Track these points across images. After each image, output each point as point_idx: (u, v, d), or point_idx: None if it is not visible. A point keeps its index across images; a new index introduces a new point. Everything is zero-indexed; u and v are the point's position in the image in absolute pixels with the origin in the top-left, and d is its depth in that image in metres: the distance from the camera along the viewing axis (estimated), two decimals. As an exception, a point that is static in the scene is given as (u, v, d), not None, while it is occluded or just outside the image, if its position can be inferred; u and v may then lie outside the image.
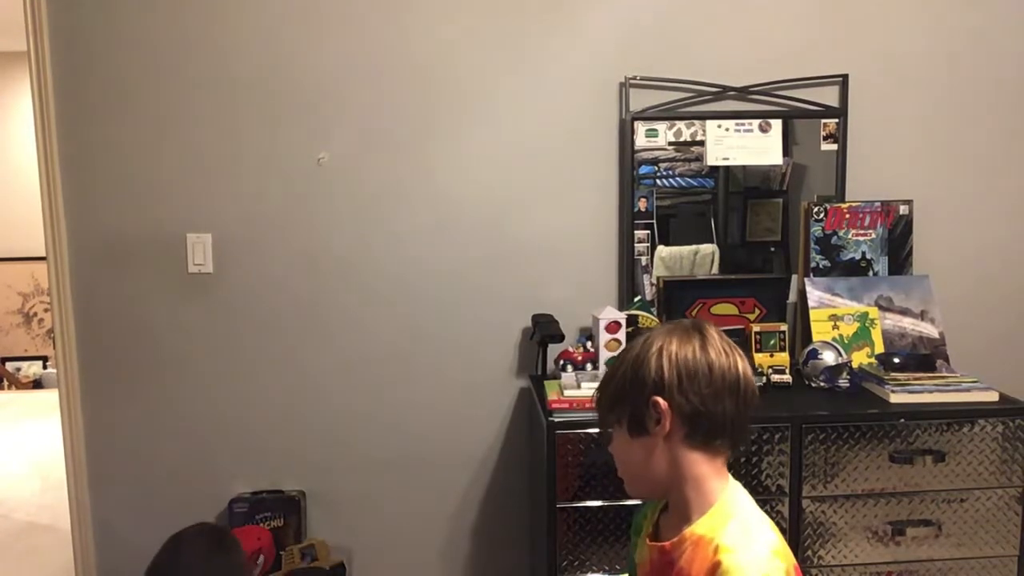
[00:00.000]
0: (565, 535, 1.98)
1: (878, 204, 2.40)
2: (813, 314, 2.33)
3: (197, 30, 2.28)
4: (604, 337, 2.21)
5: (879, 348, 2.30)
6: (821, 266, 2.40)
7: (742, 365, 1.14)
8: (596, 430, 1.95)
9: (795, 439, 1.98)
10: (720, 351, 1.13)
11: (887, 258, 2.41)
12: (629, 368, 1.14)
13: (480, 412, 2.45)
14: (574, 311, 2.38)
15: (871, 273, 2.40)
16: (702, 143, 2.38)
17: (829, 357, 2.18)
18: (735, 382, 1.13)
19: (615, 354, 2.20)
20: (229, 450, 2.42)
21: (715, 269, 2.45)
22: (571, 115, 2.38)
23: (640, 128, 2.36)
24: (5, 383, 6.20)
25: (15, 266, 6.31)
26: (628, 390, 1.14)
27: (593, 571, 1.99)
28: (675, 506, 1.16)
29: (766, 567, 1.03)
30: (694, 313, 2.39)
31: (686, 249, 2.44)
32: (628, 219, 2.39)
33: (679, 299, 2.39)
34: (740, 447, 1.17)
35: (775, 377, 2.19)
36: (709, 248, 2.45)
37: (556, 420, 1.96)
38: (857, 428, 1.99)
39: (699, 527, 1.10)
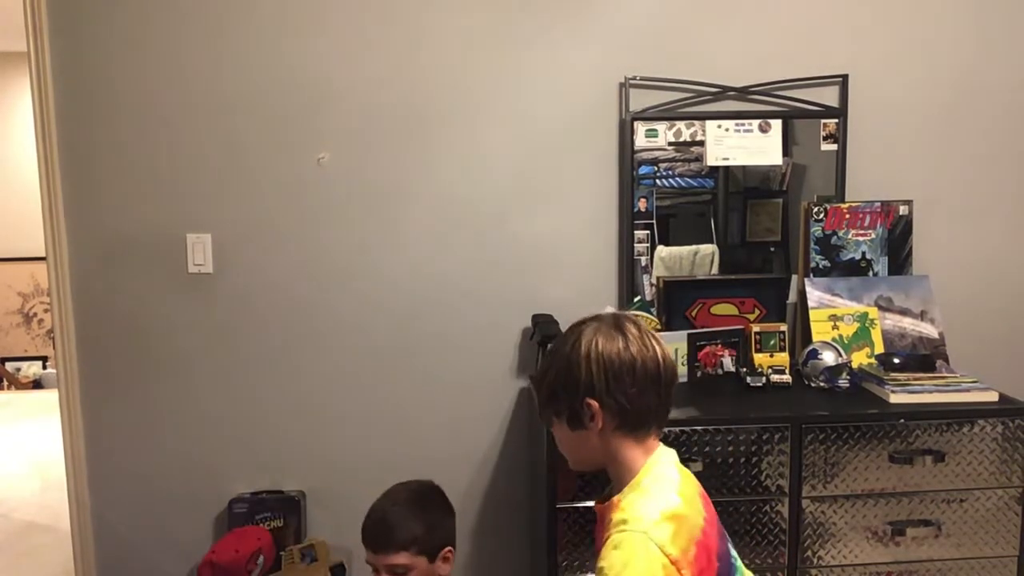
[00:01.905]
0: (565, 535, 1.98)
1: (878, 204, 2.40)
2: (813, 314, 2.33)
3: (197, 30, 2.28)
4: (604, 337, 2.20)
5: (879, 348, 2.30)
6: (821, 266, 2.40)
7: (660, 352, 1.25)
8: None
9: (795, 439, 1.98)
10: (641, 346, 1.23)
11: (887, 258, 2.41)
12: (562, 370, 1.26)
13: (480, 412, 2.45)
14: (574, 311, 2.35)
15: (871, 273, 2.40)
16: (702, 143, 2.38)
17: (829, 357, 2.18)
18: (656, 373, 1.24)
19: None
20: (229, 450, 2.42)
21: (715, 269, 2.45)
22: (571, 115, 2.38)
23: (640, 128, 2.36)
24: (5, 383, 6.20)
25: (15, 266, 6.31)
26: (562, 392, 1.26)
27: (593, 571, 1.98)
28: (612, 478, 1.30)
29: (649, 525, 1.14)
30: (694, 314, 2.39)
31: (686, 249, 2.44)
32: (628, 219, 2.39)
33: (679, 299, 2.39)
34: (664, 426, 1.29)
35: (775, 377, 2.19)
36: (709, 248, 2.45)
37: (556, 420, 1.96)
38: (857, 428, 1.99)
39: (621, 495, 1.23)
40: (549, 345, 2.26)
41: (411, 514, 1.76)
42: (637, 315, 1.30)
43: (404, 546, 1.71)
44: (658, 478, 1.22)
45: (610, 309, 1.31)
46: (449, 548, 1.79)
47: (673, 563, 1.11)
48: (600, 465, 1.29)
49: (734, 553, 1.27)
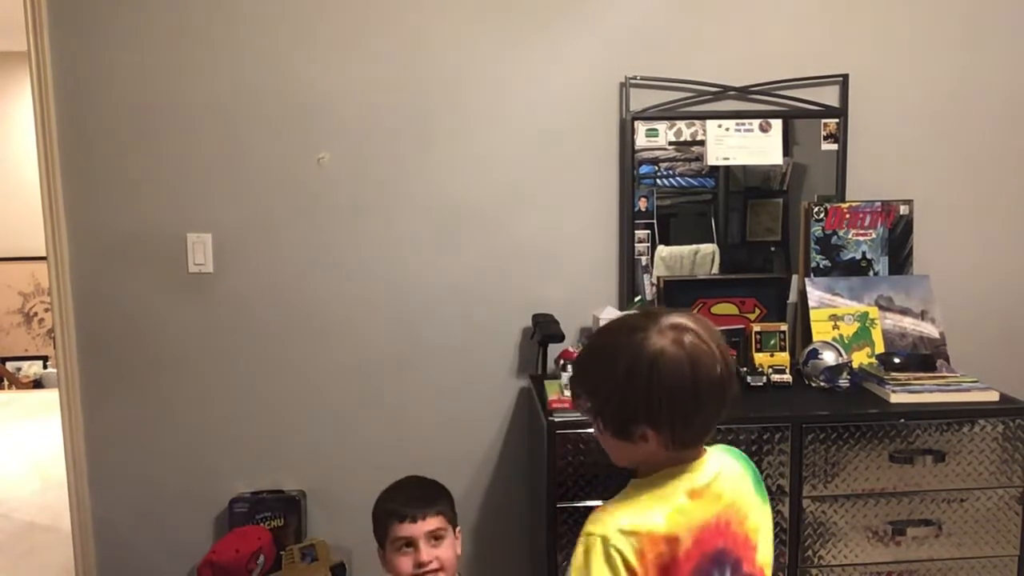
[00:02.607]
0: (565, 535, 1.98)
1: (878, 204, 2.40)
2: (813, 314, 2.33)
3: (198, 30, 2.28)
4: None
5: (879, 348, 2.30)
6: (821, 266, 2.40)
7: (721, 366, 1.15)
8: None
9: (795, 439, 1.98)
10: (705, 364, 1.14)
11: (887, 258, 2.41)
12: (618, 390, 1.17)
13: (480, 412, 2.45)
14: (574, 311, 2.38)
15: (871, 273, 2.40)
16: (702, 143, 2.38)
17: (829, 357, 2.18)
18: (718, 391, 1.16)
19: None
20: (229, 450, 2.42)
21: (715, 269, 2.45)
22: (571, 115, 2.38)
23: (640, 128, 2.36)
24: (5, 383, 6.19)
25: (15, 266, 6.31)
26: (617, 411, 1.19)
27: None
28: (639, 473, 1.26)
29: (594, 528, 1.13)
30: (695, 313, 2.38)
31: (686, 249, 2.44)
32: (628, 219, 2.39)
33: (679, 299, 2.38)
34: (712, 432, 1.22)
35: (775, 377, 2.19)
36: (709, 248, 2.45)
37: (556, 420, 1.96)
38: (857, 428, 1.99)
39: (620, 494, 1.22)
40: (551, 345, 2.28)
41: (434, 486, 1.87)
42: (691, 316, 1.20)
43: (441, 509, 1.80)
44: (649, 489, 1.18)
45: (665, 313, 1.20)
46: (459, 528, 1.89)
47: (621, 555, 1.10)
48: (638, 465, 1.24)
49: None
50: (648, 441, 1.17)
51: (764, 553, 1.25)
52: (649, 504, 1.15)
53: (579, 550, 1.13)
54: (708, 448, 1.25)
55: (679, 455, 1.19)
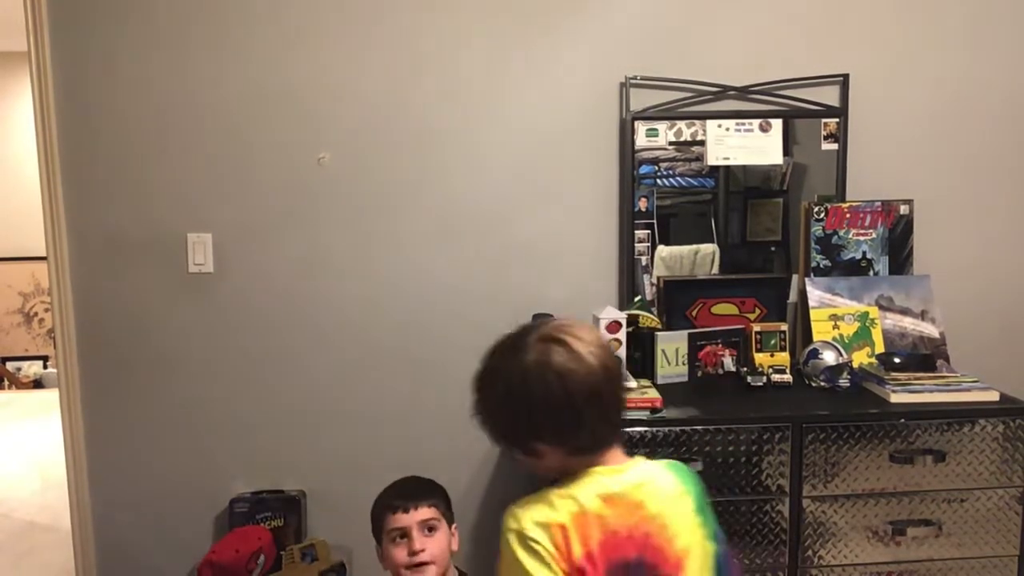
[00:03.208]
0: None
1: (878, 204, 2.40)
2: (813, 314, 2.33)
3: (198, 29, 2.28)
4: (604, 337, 2.21)
5: (879, 348, 2.30)
6: (821, 266, 2.40)
7: (596, 375, 1.18)
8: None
9: (795, 439, 1.98)
10: (574, 371, 1.17)
11: (887, 258, 2.41)
12: (501, 419, 1.25)
13: (480, 412, 2.45)
14: (574, 311, 2.36)
15: (871, 273, 2.40)
16: (702, 143, 2.38)
17: (829, 357, 2.18)
18: (595, 398, 1.18)
19: (616, 354, 2.20)
20: (229, 450, 2.42)
21: (715, 269, 2.45)
22: (571, 115, 2.38)
23: (640, 128, 2.36)
24: (5, 383, 6.19)
25: (15, 266, 6.31)
26: (511, 433, 1.26)
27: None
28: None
29: (511, 523, 1.17)
30: (695, 313, 2.39)
31: (686, 249, 2.44)
32: (628, 219, 2.39)
33: (679, 299, 2.39)
34: (620, 433, 1.26)
35: (775, 377, 2.19)
36: (709, 248, 2.44)
37: (556, 420, 1.96)
38: (857, 428, 1.99)
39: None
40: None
41: (428, 482, 1.91)
42: (564, 325, 1.24)
43: (434, 502, 1.83)
44: (556, 501, 1.18)
45: (539, 327, 1.25)
46: (456, 525, 1.91)
47: (538, 543, 1.14)
48: (557, 475, 1.26)
49: None
50: (546, 455, 1.21)
51: (675, 558, 1.21)
52: (556, 502, 1.18)
53: (503, 548, 1.17)
54: (642, 459, 1.27)
55: (590, 460, 1.21)
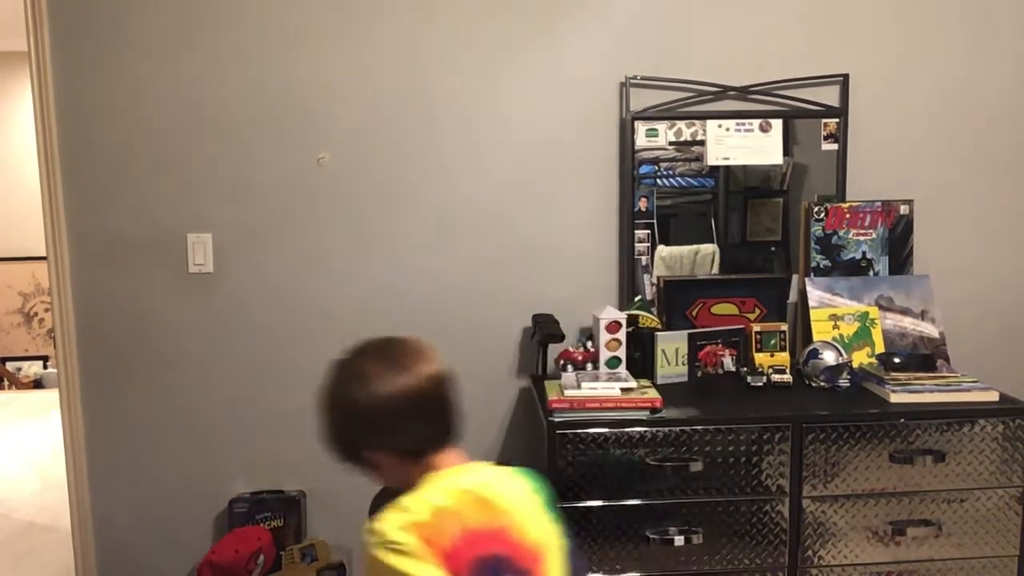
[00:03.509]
0: (565, 535, 1.97)
1: (878, 204, 2.40)
2: (813, 314, 2.33)
3: (198, 30, 2.28)
4: (604, 337, 2.21)
5: (879, 348, 2.30)
6: (821, 266, 2.40)
7: (415, 381, 1.25)
8: (596, 430, 1.95)
9: (795, 439, 1.98)
10: (371, 385, 1.24)
11: (887, 258, 2.41)
12: (332, 433, 1.31)
13: (480, 412, 2.45)
14: (574, 311, 2.38)
15: (871, 273, 2.40)
16: (702, 143, 2.38)
17: (829, 357, 2.18)
18: (416, 405, 1.25)
19: (616, 354, 2.21)
20: (229, 450, 2.42)
21: (715, 269, 2.45)
22: (571, 115, 2.38)
23: (640, 128, 2.36)
24: (5, 383, 6.19)
25: (15, 266, 6.31)
26: (347, 449, 1.30)
27: (593, 571, 1.99)
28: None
29: (373, 539, 1.18)
30: (695, 313, 2.39)
31: (686, 249, 2.44)
32: (628, 219, 2.39)
33: (679, 299, 2.38)
34: (451, 437, 1.31)
35: (775, 377, 2.19)
36: (709, 248, 2.44)
37: (556, 420, 1.96)
38: (857, 428, 1.99)
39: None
40: (551, 345, 2.28)
41: None
42: (371, 345, 1.33)
43: None
44: (412, 505, 1.21)
45: (350, 351, 1.35)
46: None
47: (404, 545, 1.15)
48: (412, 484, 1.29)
49: None
50: (381, 463, 1.28)
51: (553, 570, 1.26)
52: (412, 506, 1.20)
53: (370, 566, 1.17)
54: (485, 463, 1.32)
55: (433, 463, 1.27)
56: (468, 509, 1.22)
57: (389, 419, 1.24)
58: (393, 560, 1.15)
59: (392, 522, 1.18)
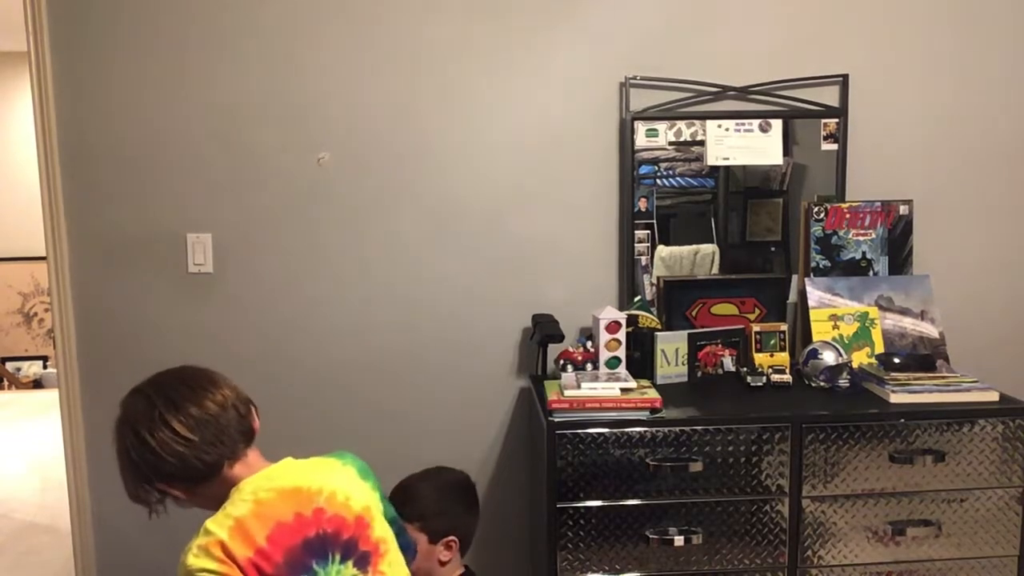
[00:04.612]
0: (565, 535, 1.98)
1: (878, 204, 2.40)
2: (813, 314, 2.33)
3: (198, 30, 2.28)
4: (604, 337, 2.21)
5: (879, 348, 2.30)
6: (821, 266, 2.40)
7: (176, 421, 1.33)
8: (596, 430, 1.95)
9: (795, 439, 1.98)
10: (151, 427, 1.32)
11: (887, 258, 2.41)
12: (126, 479, 1.40)
13: (480, 412, 2.45)
14: (574, 311, 2.38)
15: (871, 273, 2.40)
16: (702, 143, 2.38)
17: (829, 357, 2.18)
18: (175, 442, 1.32)
19: (615, 354, 2.21)
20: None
21: (715, 269, 2.45)
22: (571, 115, 2.38)
23: (640, 128, 2.36)
24: (5, 383, 6.20)
25: (15, 266, 6.32)
26: (140, 490, 1.39)
27: (593, 571, 1.99)
28: None
29: (187, 557, 1.28)
30: (695, 313, 2.39)
31: (686, 249, 2.44)
32: (628, 219, 2.39)
33: (679, 299, 2.39)
34: (240, 448, 1.38)
35: (775, 377, 2.19)
36: (709, 248, 2.45)
37: (556, 420, 1.96)
38: (857, 428, 1.99)
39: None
40: (551, 345, 2.28)
41: (431, 494, 1.95)
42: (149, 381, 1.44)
43: (410, 519, 1.84)
44: (212, 527, 1.29)
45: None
46: (453, 538, 1.92)
47: (206, 571, 1.24)
48: (222, 501, 1.35)
49: None
50: (176, 493, 1.37)
51: (380, 529, 1.40)
52: (212, 527, 1.28)
53: None
54: (288, 459, 1.42)
55: (228, 479, 1.34)
56: (277, 505, 1.30)
57: (156, 455, 1.31)
58: None
59: (193, 552, 1.27)
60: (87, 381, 2.37)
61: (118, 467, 1.38)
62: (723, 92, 2.39)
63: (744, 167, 2.42)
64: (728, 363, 2.27)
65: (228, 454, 1.36)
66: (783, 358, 2.28)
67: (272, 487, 1.34)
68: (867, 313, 2.33)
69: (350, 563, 1.34)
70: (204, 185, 2.33)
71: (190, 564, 1.25)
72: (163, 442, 1.31)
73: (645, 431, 1.96)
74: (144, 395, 1.38)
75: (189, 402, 1.35)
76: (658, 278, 2.41)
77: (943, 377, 2.14)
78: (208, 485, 1.35)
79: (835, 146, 2.41)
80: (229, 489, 1.34)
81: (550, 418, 1.97)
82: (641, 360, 2.24)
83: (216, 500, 1.35)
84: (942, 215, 2.46)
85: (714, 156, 2.38)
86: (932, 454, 1.99)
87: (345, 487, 1.39)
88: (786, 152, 2.41)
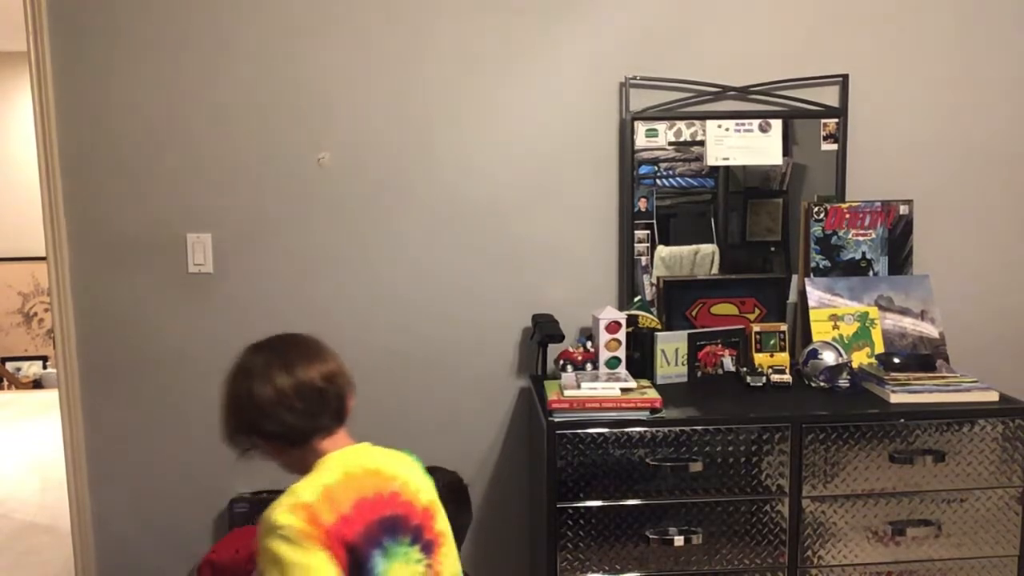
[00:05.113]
0: (565, 535, 1.98)
1: (878, 204, 2.40)
2: (813, 314, 2.33)
3: (197, 30, 2.28)
4: (604, 337, 2.21)
5: (879, 348, 2.30)
6: (821, 266, 2.40)
7: (287, 382, 1.40)
8: (596, 430, 1.95)
9: (795, 439, 1.98)
10: (264, 381, 1.40)
11: (887, 258, 2.41)
12: (224, 420, 1.46)
13: (480, 412, 2.45)
14: (574, 311, 2.38)
15: (871, 273, 2.40)
16: (702, 143, 2.38)
17: (829, 357, 2.18)
18: (288, 398, 1.39)
19: (615, 354, 2.21)
20: (229, 450, 2.41)
21: (715, 269, 2.45)
22: (571, 115, 2.38)
23: (640, 128, 2.36)
24: (5, 383, 6.20)
25: (15, 266, 6.31)
26: (236, 437, 1.45)
27: (593, 571, 1.99)
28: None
29: (264, 527, 1.32)
30: (695, 313, 2.39)
31: (686, 249, 2.44)
32: (628, 219, 2.39)
33: (679, 299, 2.39)
34: (334, 425, 1.44)
35: (775, 377, 2.19)
36: (709, 248, 2.45)
37: (556, 420, 1.96)
38: (857, 428, 1.99)
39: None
40: (551, 345, 2.28)
41: None
42: (268, 343, 1.49)
43: None
44: (301, 489, 1.34)
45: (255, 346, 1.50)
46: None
47: (292, 529, 1.28)
48: (307, 470, 1.41)
49: (380, 568, 1.35)
50: (263, 449, 1.43)
51: (442, 523, 1.48)
52: (299, 490, 1.34)
53: (263, 558, 1.30)
54: (367, 444, 1.48)
55: (316, 450, 1.41)
56: (360, 481, 1.38)
57: (263, 413, 1.38)
58: (275, 546, 1.28)
59: (280, 507, 1.32)
60: (87, 381, 2.37)
61: (221, 410, 1.45)
62: (723, 92, 2.39)
63: (744, 167, 2.42)
64: (728, 363, 2.27)
65: (323, 426, 1.42)
66: (783, 358, 2.28)
67: (358, 464, 1.41)
68: (867, 313, 2.33)
69: (417, 547, 1.41)
70: (204, 185, 2.33)
71: (276, 518, 1.30)
72: (269, 400, 1.38)
73: (645, 431, 1.96)
74: (264, 353, 1.45)
75: (302, 370, 1.41)
76: (658, 278, 2.41)
77: (943, 377, 2.14)
78: (297, 451, 1.41)
79: (835, 146, 2.41)
80: (315, 460, 1.40)
81: (550, 418, 1.97)
82: (641, 360, 2.24)
83: (301, 466, 1.41)
84: (942, 215, 2.46)
85: (714, 156, 2.38)
86: (932, 454, 1.99)
87: (416, 480, 1.47)
88: (786, 152, 2.41)
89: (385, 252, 2.39)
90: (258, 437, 1.42)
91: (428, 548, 1.43)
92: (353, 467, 1.40)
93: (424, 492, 1.47)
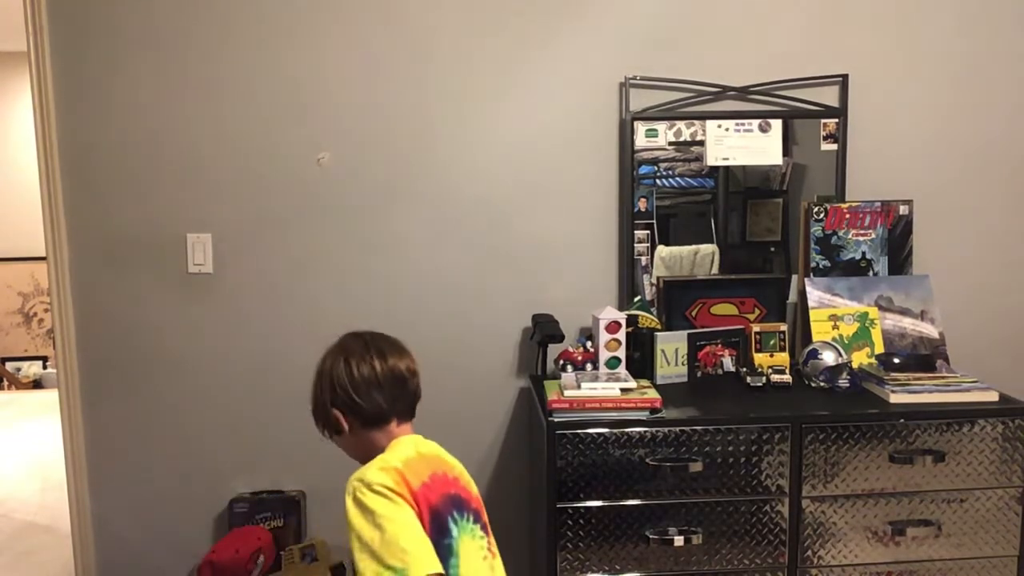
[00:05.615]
0: (565, 535, 1.98)
1: (878, 204, 2.40)
2: (813, 314, 2.33)
3: (197, 30, 2.28)
4: (604, 337, 2.21)
5: (879, 348, 2.30)
6: (821, 266, 2.40)
7: (380, 365, 1.56)
8: (596, 430, 1.96)
9: (795, 439, 1.98)
10: (360, 362, 1.56)
11: (887, 258, 2.41)
12: (314, 395, 1.60)
13: (480, 412, 2.45)
14: (574, 311, 2.38)
15: (871, 273, 2.40)
16: (702, 143, 2.38)
17: (829, 357, 2.18)
18: (375, 381, 1.55)
19: (615, 354, 2.21)
20: (229, 450, 2.42)
21: (715, 269, 2.45)
22: (571, 115, 2.38)
23: (640, 128, 2.36)
24: (5, 383, 6.20)
25: (15, 266, 6.31)
26: (317, 411, 1.60)
27: (593, 571, 1.99)
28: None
29: (356, 483, 1.42)
30: (694, 313, 2.39)
31: (686, 249, 2.44)
32: (628, 219, 2.39)
33: (679, 299, 2.39)
34: (408, 414, 1.60)
35: (775, 377, 2.19)
36: (709, 248, 2.45)
37: (556, 420, 1.96)
38: (857, 428, 1.99)
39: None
40: (551, 345, 2.28)
41: None
42: (368, 336, 1.63)
43: None
44: (387, 457, 1.49)
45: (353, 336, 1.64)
46: None
47: (383, 486, 1.40)
48: (369, 454, 1.54)
49: (455, 533, 1.47)
50: (344, 423, 1.55)
51: (477, 498, 1.62)
52: (388, 456, 1.49)
53: (352, 511, 1.39)
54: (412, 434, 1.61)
55: (387, 433, 1.56)
56: (432, 460, 1.55)
57: (354, 388, 1.53)
58: (369, 500, 1.38)
59: (371, 468, 1.44)
60: (87, 381, 2.37)
61: (314, 386, 1.59)
62: (723, 92, 2.39)
63: (744, 167, 2.42)
64: (728, 363, 2.27)
65: (399, 412, 1.57)
66: (783, 358, 2.28)
67: (426, 447, 1.57)
68: (867, 313, 2.33)
69: (479, 527, 1.55)
70: (204, 185, 2.33)
71: (370, 476, 1.41)
72: (362, 377, 1.54)
73: (645, 431, 1.96)
74: (362, 339, 1.61)
75: (393, 359, 1.58)
76: (658, 278, 2.41)
77: (943, 377, 2.14)
78: (374, 432, 1.55)
79: (835, 146, 2.41)
80: (385, 444, 1.54)
81: (550, 418, 1.97)
82: (641, 360, 2.24)
83: (371, 448, 1.54)
84: (942, 215, 2.46)
85: (714, 156, 2.38)
86: (932, 454, 2.00)
87: (467, 474, 1.63)
88: (786, 152, 2.41)
89: (384, 252, 2.39)
90: (347, 412, 1.55)
91: (485, 531, 1.57)
92: (423, 448, 1.56)
93: (473, 485, 1.62)
